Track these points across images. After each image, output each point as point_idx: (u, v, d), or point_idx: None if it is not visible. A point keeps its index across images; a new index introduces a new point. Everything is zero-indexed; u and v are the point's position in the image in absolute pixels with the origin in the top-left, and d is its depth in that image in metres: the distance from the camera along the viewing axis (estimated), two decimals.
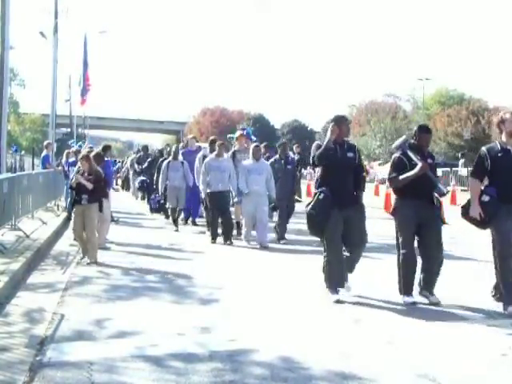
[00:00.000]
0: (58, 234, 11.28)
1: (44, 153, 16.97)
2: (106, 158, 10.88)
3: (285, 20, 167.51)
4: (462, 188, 25.11)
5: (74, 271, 7.80)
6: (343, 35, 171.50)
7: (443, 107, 53.15)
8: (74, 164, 12.87)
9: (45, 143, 17.87)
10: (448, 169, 29.76)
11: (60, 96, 36.40)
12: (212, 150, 11.33)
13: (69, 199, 14.12)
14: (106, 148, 11.86)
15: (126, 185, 25.42)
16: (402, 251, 6.09)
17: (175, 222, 12.22)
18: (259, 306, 6.04)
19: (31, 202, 12.11)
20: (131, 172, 20.75)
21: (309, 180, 22.56)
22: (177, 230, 11.95)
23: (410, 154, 6.07)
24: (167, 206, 12.65)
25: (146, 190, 16.25)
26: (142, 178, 16.39)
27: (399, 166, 6.13)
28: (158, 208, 14.00)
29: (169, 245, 10.18)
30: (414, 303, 5.98)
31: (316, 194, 6.23)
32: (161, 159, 13.98)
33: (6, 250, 8.43)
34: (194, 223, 12.94)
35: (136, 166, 18.18)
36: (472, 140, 42.74)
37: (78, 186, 8.53)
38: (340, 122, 6.28)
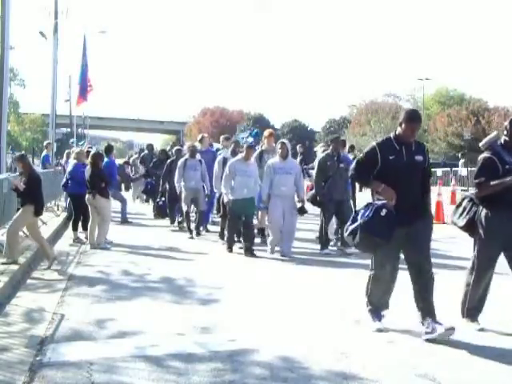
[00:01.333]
0: (57, 234, 11.28)
1: (44, 153, 16.99)
2: (108, 159, 10.95)
3: (285, 20, 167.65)
4: (462, 188, 25.09)
5: (74, 271, 7.79)
6: (343, 35, 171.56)
7: (443, 107, 53.23)
8: None
9: (45, 143, 17.90)
10: (448, 169, 29.77)
11: (60, 96, 36.47)
12: (234, 153, 10.27)
13: (68, 199, 14.17)
14: (109, 148, 11.85)
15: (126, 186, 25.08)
16: (479, 271, 5.20)
17: (189, 228, 11.11)
18: (259, 306, 6.04)
19: None
20: (132, 172, 19.77)
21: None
22: (192, 237, 10.90)
23: (503, 154, 5.07)
24: (184, 209, 11.33)
25: (151, 193, 15.22)
26: (147, 180, 15.46)
27: (489, 169, 5.06)
28: (162, 213, 13.17)
29: (169, 245, 10.17)
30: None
31: (373, 205, 4.93)
32: (169, 160, 13.01)
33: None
34: (206, 229, 11.81)
35: (140, 166, 17.34)
36: (472, 140, 42.78)
37: (17, 188, 8.20)
38: (411, 120, 4.97)
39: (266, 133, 10.82)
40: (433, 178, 13.83)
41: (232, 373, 4.12)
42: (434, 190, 10.33)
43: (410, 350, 4.63)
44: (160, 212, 13.28)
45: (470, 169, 29.98)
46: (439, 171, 28.06)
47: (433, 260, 5.13)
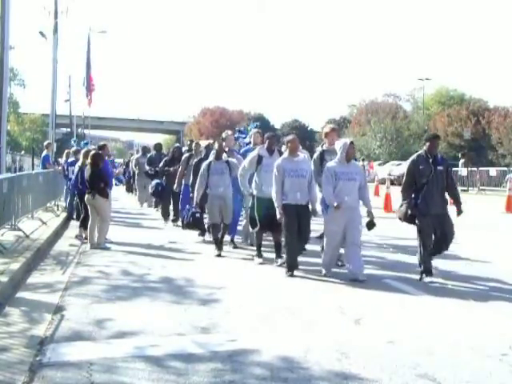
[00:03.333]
0: (57, 234, 11.29)
1: (44, 153, 16.98)
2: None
3: (285, 20, 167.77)
4: (463, 188, 25.10)
5: (74, 271, 7.79)
6: (343, 35, 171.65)
7: (443, 107, 53.22)
8: (73, 164, 12.89)
9: (45, 143, 17.88)
10: None
11: (60, 96, 36.47)
12: (270, 149, 8.56)
13: (68, 199, 14.17)
14: (102, 147, 11.60)
15: (129, 187, 23.58)
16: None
17: (217, 242, 9.23)
18: (259, 306, 6.03)
19: (31, 202, 12.10)
20: (136, 173, 18.33)
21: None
22: (219, 255, 9.08)
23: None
24: (206, 221, 9.68)
25: (161, 195, 13.48)
26: (156, 180, 13.54)
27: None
28: (192, 223, 10.23)
29: (169, 245, 10.17)
30: None
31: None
32: (185, 155, 11.91)
33: (6, 250, 8.43)
34: (233, 243, 9.94)
35: (147, 168, 15.36)
36: (472, 140, 42.76)
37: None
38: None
39: (328, 129, 8.55)
40: None
41: (232, 373, 4.12)
42: None
43: (409, 349, 4.63)
44: (195, 224, 9.97)
45: (470, 169, 30.02)
46: None
47: None
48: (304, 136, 56.67)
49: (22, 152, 39.61)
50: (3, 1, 9.98)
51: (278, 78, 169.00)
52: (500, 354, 4.53)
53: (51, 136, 19.96)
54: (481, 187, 28.27)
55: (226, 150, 9.99)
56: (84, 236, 10.45)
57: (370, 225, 7.42)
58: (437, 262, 7.50)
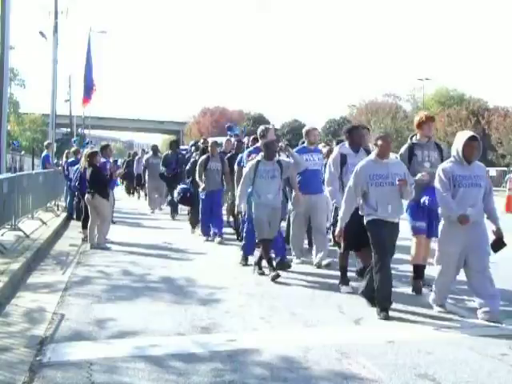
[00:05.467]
0: (57, 234, 11.28)
1: (44, 153, 16.99)
2: (103, 159, 10.75)
3: (285, 20, 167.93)
4: None
5: (74, 271, 7.79)
6: (343, 35, 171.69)
7: (443, 107, 53.27)
8: (73, 164, 12.89)
9: (45, 143, 17.88)
10: None
11: (60, 96, 36.46)
12: (353, 147, 6.93)
13: (68, 199, 14.18)
14: (104, 148, 11.57)
15: (133, 190, 22.53)
16: None
17: (271, 263, 7.43)
18: (259, 306, 6.03)
19: (31, 202, 12.10)
20: (147, 175, 16.60)
21: None
22: (277, 276, 7.19)
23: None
24: (258, 236, 7.64)
25: (191, 202, 11.71)
26: (182, 186, 11.91)
27: None
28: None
29: (169, 245, 10.17)
30: None
31: None
32: (204, 159, 10.67)
33: (6, 250, 8.43)
34: (286, 265, 7.81)
35: (162, 169, 14.32)
36: None
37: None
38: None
39: (422, 117, 6.63)
40: None
41: (232, 373, 4.12)
42: None
43: (409, 349, 4.63)
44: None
45: None
46: None
47: None
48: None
49: (22, 152, 39.60)
50: (3, 1, 9.98)
51: (277, 78, 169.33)
52: (500, 354, 4.54)
53: (51, 136, 19.94)
54: None
55: (283, 145, 8.08)
56: (84, 236, 10.47)
57: (498, 245, 5.71)
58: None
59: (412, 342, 4.84)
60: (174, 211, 14.53)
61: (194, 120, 72.87)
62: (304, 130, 8.78)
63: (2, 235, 9.50)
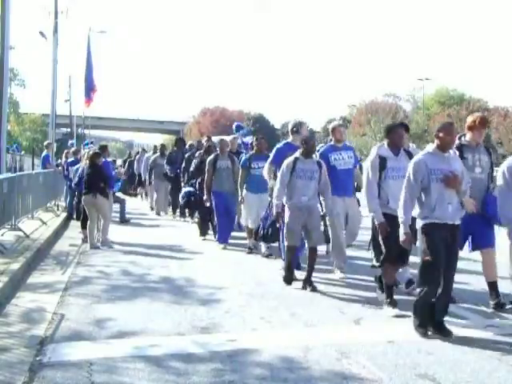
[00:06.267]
0: (57, 234, 11.29)
1: (44, 153, 16.99)
2: (103, 159, 10.72)
3: (284, 20, 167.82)
4: None
5: (74, 271, 7.79)
6: (343, 35, 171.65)
7: (443, 107, 53.30)
8: (73, 164, 12.90)
9: (45, 143, 17.88)
10: None
11: (60, 96, 36.46)
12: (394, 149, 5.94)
13: (68, 199, 14.18)
14: (102, 148, 11.55)
15: (135, 189, 21.25)
16: None
17: (290, 270, 7.01)
18: (259, 305, 6.03)
19: (31, 202, 12.11)
20: (153, 176, 15.65)
21: None
22: (314, 290, 6.74)
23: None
24: (288, 243, 7.01)
25: (196, 206, 11.20)
26: (188, 188, 11.34)
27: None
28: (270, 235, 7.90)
29: (169, 245, 10.16)
30: None
31: None
32: (212, 159, 9.91)
33: (6, 250, 8.43)
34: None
35: (166, 168, 13.91)
36: None
37: None
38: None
39: (474, 120, 6.25)
40: None
41: (232, 373, 4.12)
42: None
43: (409, 349, 4.63)
44: (274, 237, 7.90)
45: None
46: None
47: None
48: None
49: (22, 152, 39.59)
50: (3, 1, 9.98)
51: (277, 78, 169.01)
52: (499, 354, 4.54)
53: (51, 136, 19.91)
54: None
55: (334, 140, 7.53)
56: (84, 236, 10.47)
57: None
58: None
59: (412, 341, 4.84)
60: (182, 214, 13.85)
61: (194, 120, 72.97)
62: (330, 128, 7.81)
63: (2, 235, 9.50)
